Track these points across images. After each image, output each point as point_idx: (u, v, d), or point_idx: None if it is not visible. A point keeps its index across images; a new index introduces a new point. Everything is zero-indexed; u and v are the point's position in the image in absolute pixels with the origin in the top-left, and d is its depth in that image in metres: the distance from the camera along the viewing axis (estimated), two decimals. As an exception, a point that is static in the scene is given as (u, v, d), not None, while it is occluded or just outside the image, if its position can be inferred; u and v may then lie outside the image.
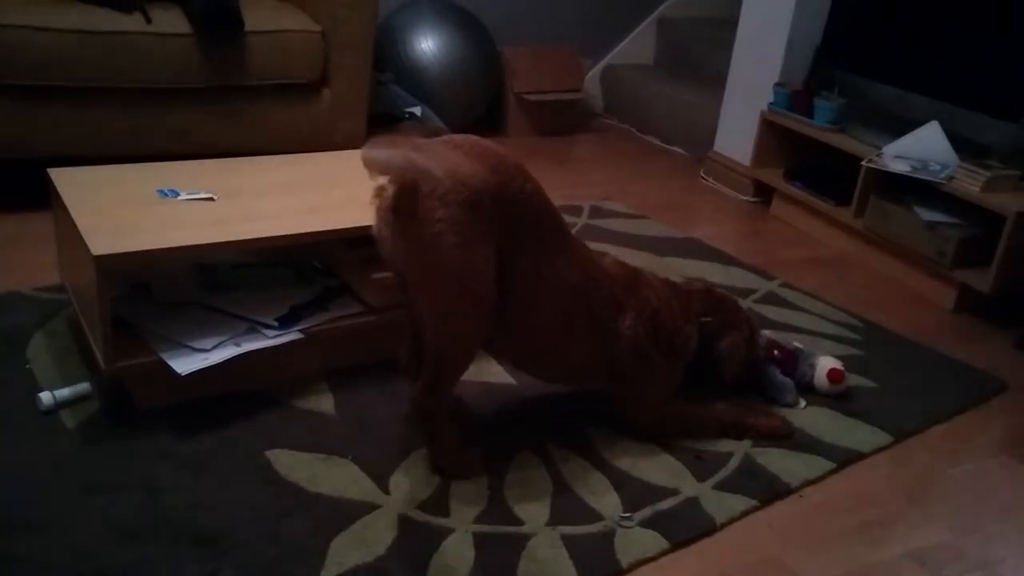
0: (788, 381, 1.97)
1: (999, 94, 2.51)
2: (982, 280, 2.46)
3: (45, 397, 1.67)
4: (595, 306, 1.66)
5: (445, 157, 1.47)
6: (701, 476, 1.70)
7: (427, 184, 1.43)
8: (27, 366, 1.80)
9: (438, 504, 1.55)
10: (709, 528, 1.57)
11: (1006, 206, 2.40)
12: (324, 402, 1.80)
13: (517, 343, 1.67)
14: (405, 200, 1.42)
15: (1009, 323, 2.46)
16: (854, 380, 2.09)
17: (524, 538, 1.49)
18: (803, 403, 1.97)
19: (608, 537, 1.52)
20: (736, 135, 3.40)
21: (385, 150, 1.45)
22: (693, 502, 1.63)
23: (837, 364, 2.01)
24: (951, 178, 2.54)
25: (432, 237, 1.43)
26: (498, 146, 1.56)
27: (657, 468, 1.71)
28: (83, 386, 1.72)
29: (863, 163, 2.76)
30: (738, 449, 1.79)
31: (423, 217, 1.43)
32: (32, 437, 1.60)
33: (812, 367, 2.01)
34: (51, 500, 1.46)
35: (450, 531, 1.49)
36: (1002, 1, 2.52)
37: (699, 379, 1.88)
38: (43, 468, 1.53)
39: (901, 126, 2.76)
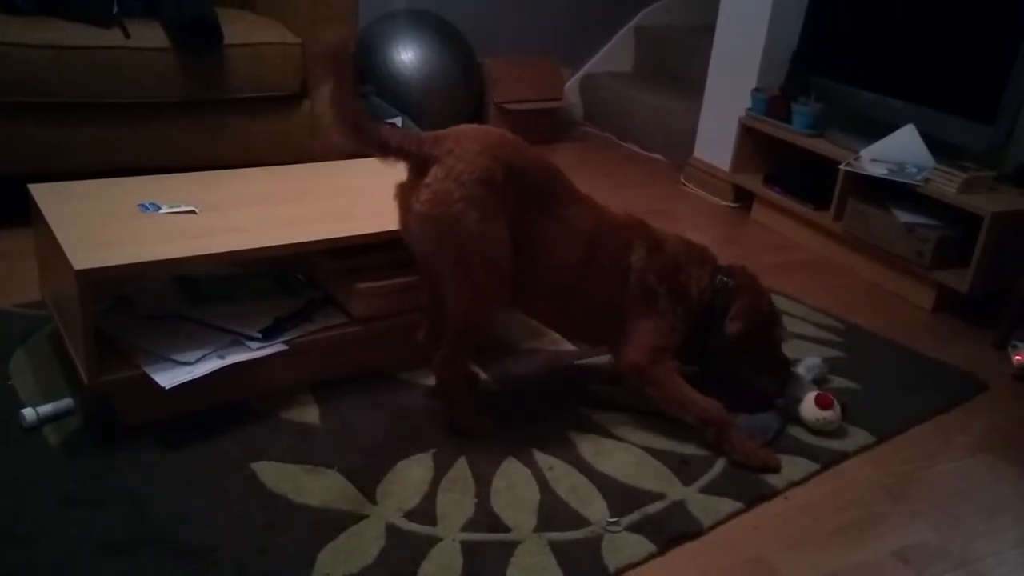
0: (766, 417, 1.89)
1: (974, 97, 2.54)
2: (960, 280, 2.49)
3: (28, 414, 1.66)
4: (607, 249, 1.77)
5: (457, 141, 1.61)
6: (687, 480, 1.71)
7: (443, 166, 1.58)
8: (8, 382, 1.79)
9: (425, 513, 1.55)
10: (695, 531, 1.58)
11: (982, 207, 2.42)
12: (309, 413, 1.80)
13: (539, 292, 1.77)
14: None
15: (987, 322, 2.48)
16: (837, 382, 2.11)
17: (512, 545, 1.50)
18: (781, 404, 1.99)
19: (595, 542, 1.52)
20: (715, 141, 3.42)
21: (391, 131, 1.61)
22: (679, 506, 1.63)
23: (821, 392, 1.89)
24: (928, 180, 2.57)
25: (454, 216, 1.58)
26: (495, 128, 1.73)
27: (643, 473, 1.72)
28: (66, 402, 1.71)
29: (841, 167, 2.79)
30: (723, 452, 1.81)
31: (442, 199, 1.58)
32: (14, 454, 1.59)
33: (797, 401, 1.91)
34: (34, 514, 1.45)
35: (438, 540, 1.49)
36: (977, 6, 2.56)
37: (707, 362, 1.90)
38: (25, 483, 1.52)
39: (878, 130, 2.79)
